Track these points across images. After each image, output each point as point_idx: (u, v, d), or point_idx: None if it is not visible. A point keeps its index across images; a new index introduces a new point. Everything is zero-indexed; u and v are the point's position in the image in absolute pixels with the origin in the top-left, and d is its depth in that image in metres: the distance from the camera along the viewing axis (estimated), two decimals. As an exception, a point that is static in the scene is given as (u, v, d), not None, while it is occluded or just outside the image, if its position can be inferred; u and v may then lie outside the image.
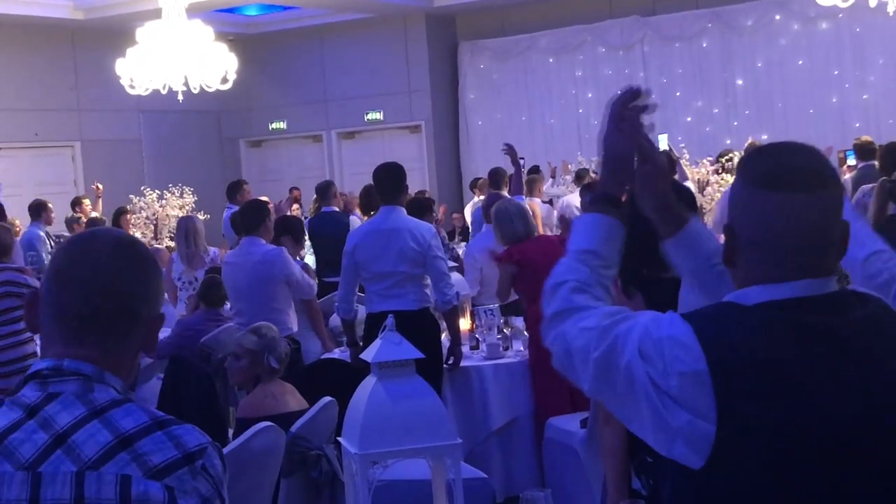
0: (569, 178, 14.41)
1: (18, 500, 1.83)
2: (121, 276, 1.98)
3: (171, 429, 1.88)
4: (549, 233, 10.88)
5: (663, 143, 12.39)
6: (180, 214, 12.77)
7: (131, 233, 12.69)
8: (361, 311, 8.36)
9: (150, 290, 2.02)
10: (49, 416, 1.87)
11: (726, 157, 12.19)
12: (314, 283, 7.85)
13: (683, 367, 1.90)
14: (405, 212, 6.89)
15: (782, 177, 1.98)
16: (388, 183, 6.86)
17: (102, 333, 1.95)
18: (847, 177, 10.46)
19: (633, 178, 2.32)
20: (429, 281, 6.72)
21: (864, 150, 10.88)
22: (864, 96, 16.10)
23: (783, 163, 2.02)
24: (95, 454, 1.83)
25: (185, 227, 9.32)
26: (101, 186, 13.50)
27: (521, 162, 14.58)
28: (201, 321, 7.72)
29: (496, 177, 10.41)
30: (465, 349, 7.12)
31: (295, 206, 14.39)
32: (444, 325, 6.99)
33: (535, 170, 14.13)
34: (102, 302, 1.96)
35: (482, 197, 12.47)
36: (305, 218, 12.03)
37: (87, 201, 13.78)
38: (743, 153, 10.90)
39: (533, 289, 6.74)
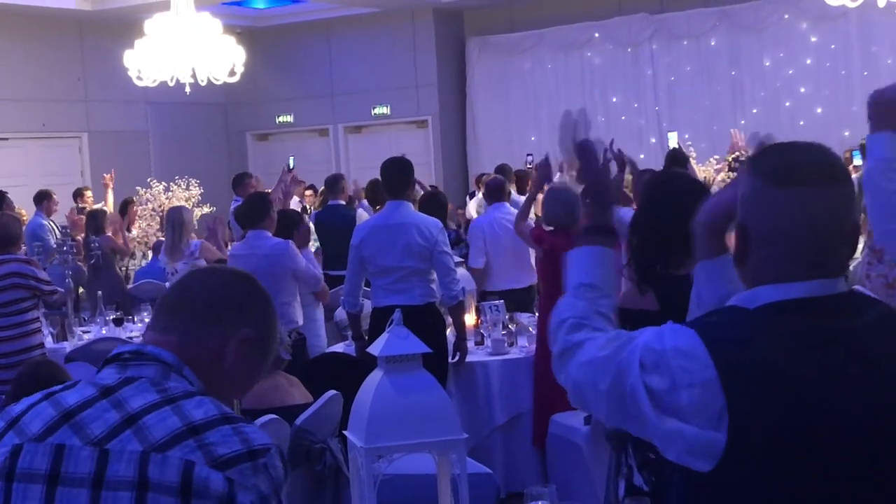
0: (574, 173, 14.37)
1: (83, 473, 1.87)
2: (222, 285, 2.12)
3: (240, 425, 1.94)
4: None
5: (673, 140, 12.39)
6: (187, 206, 12.77)
7: (137, 224, 12.73)
8: (367, 306, 8.37)
9: (244, 305, 2.11)
10: (123, 399, 1.94)
11: (733, 156, 12.17)
12: (320, 273, 7.83)
13: (692, 378, 1.89)
14: (412, 206, 6.90)
15: (796, 172, 1.98)
16: (395, 177, 6.85)
17: (185, 321, 2.05)
18: (853, 176, 10.46)
19: (616, 199, 2.38)
20: (435, 276, 6.72)
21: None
22: (872, 96, 16.06)
23: (796, 159, 2.01)
24: (163, 437, 1.88)
25: (172, 219, 9.33)
26: (111, 176, 13.46)
27: (530, 158, 14.59)
28: None
29: (496, 191, 9.43)
30: (470, 344, 7.13)
31: (309, 192, 14.38)
32: (449, 320, 7.00)
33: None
34: (194, 295, 2.08)
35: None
36: (309, 212, 12.05)
37: (88, 192, 13.78)
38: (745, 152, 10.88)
39: (550, 282, 6.72)
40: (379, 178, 10.94)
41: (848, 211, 2.01)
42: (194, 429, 1.89)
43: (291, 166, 11.60)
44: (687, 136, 15.46)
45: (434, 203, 8.50)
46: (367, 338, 6.79)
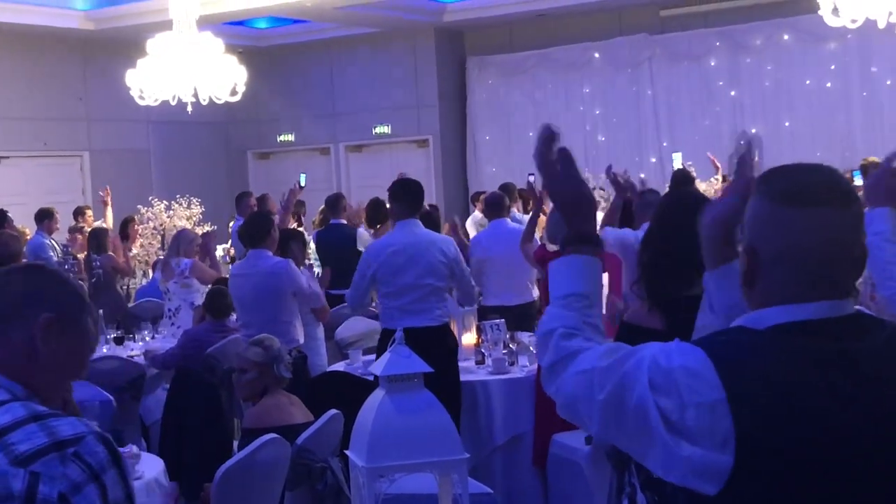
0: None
1: None
2: (7, 283, 2.07)
3: (49, 421, 1.93)
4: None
5: (677, 161, 12.41)
6: (187, 225, 12.78)
7: (138, 242, 12.73)
8: (362, 326, 8.40)
9: (36, 293, 2.06)
10: None
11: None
12: (321, 291, 7.83)
13: (700, 398, 1.88)
14: (422, 225, 6.93)
15: (807, 193, 1.98)
16: (410, 196, 6.88)
17: None
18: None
19: (591, 210, 2.32)
20: (447, 295, 6.82)
21: (871, 171, 10.87)
22: (873, 117, 16.10)
23: (806, 179, 2.01)
24: None
25: (178, 241, 9.39)
26: (108, 191, 13.47)
27: (532, 178, 14.59)
28: (207, 332, 7.73)
29: (496, 207, 9.41)
30: (471, 363, 7.13)
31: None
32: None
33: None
34: None
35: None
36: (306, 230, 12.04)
37: (89, 211, 13.80)
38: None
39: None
40: (378, 197, 11.07)
41: (857, 232, 2.01)
42: None
43: (303, 184, 11.59)
44: (687, 157, 15.47)
45: (429, 222, 8.54)
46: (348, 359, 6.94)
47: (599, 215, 10.96)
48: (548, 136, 2.33)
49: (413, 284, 6.65)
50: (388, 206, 10.48)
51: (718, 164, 11.87)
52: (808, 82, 16.43)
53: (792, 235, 1.97)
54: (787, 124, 16.55)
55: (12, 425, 1.91)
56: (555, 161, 2.33)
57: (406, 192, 6.91)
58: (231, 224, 13.19)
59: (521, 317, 8.22)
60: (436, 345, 6.46)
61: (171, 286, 9.20)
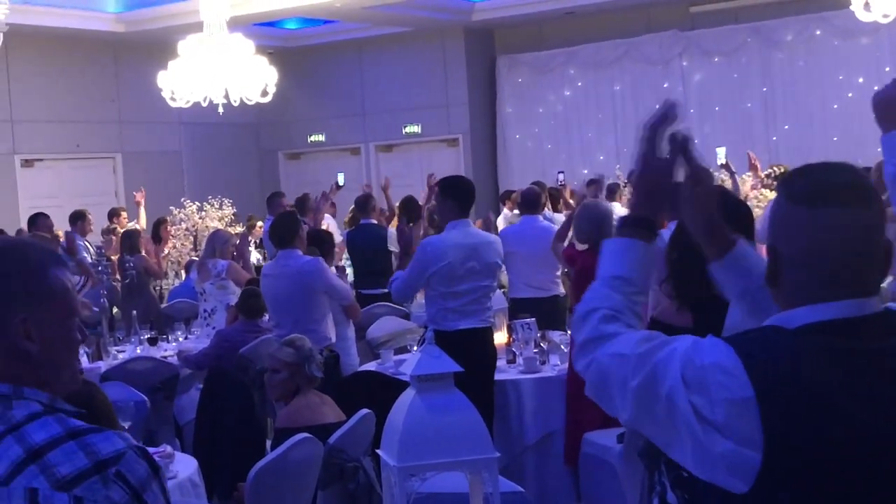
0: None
1: None
2: None
3: (85, 438, 1.87)
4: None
5: (721, 156, 12.33)
6: (219, 226, 12.85)
7: (171, 243, 12.79)
8: (394, 326, 8.42)
9: (2, 290, 1.94)
10: None
11: (766, 173, 12.13)
12: (350, 288, 7.86)
13: (730, 395, 1.88)
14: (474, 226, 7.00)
15: (829, 193, 1.97)
16: (467, 195, 6.86)
17: None
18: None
19: (669, 201, 2.26)
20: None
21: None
22: (906, 112, 15.98)
23: (828, 179, 2.01)
24: (6, 470, 1.84)
25: (213, 242, 9.42)
26: (144, 192, 13.57)
27: (561, 176, 14.58)
28: (239, 332, 7.76)
29: (531, 203, 9.51)
30: (502, 363, 7.14)
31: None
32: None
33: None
34: None
35: (515, 211, 12.52)
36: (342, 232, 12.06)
37: (124, 213, 13.89)
38: (782, 170, 10.86)
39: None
40: (412, 195, 11.10)
41: (880, 232, 2.00)
42: (36, 453, 1.85)
43: (341, 183, 11.61)
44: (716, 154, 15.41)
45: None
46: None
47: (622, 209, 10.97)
48: (667, 114, 2.25)
49: (473, 287, 6.67)
50: (419, 203, 10.60)
51: (757, 163, 11.81)
52: (839, 77, 16.33)
53: (813, 236, 1.96)
54: (819, 120, 16.46)
55: (50, 444, 1.86)
56: (659, 140, 2.24)
57: (463, 192, 6.85)
58: (262, 225, 13.24)
59: (546, 311, 8.22)
60: (480, 347, 6.53)
61: (208, 287, 9.25)
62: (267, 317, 7.88)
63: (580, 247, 7.11)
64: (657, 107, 2.27)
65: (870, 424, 1.88)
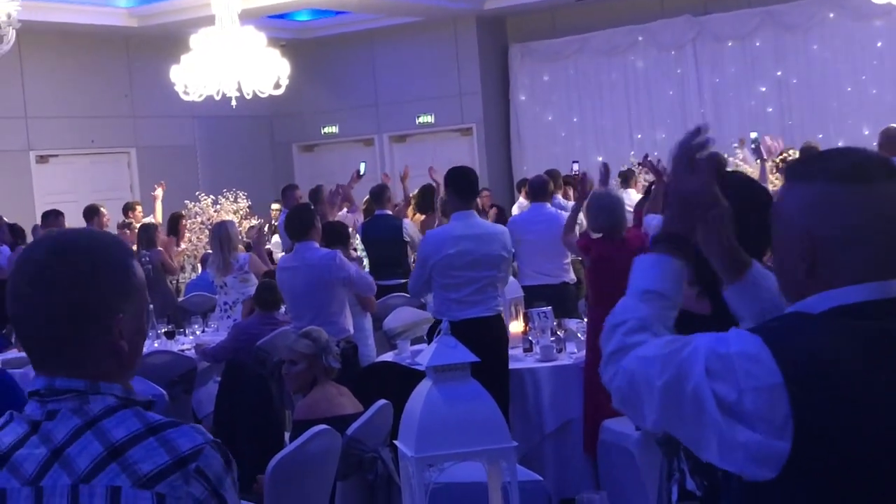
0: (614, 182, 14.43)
1: None
2: (57, 290, 1.91)
3: (165, 433, 1.88)
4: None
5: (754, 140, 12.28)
6: (235, 219, 12.86)
7: (186, 238, 12.82)
8: (410, 316, 8.42)
9: (98, 292, 1.93)
10: (48, 431, 1.90)
11: (780, 157, 12.08)
12: (372, 280, 7.83)
13: (758, 383, 1.86)
14: (479, 217, 6.97)
15: (866, 169, 1.94)
16: (470, 187, 6.89)
17: (69, 354, 1.92)
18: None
19: (703, 219, 2.24)
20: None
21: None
22: (920, 94, 15.94)
23: (858, 159, 1.98)
24: (87, 467, 1.85)
25: (219, 234, 9.39)
26: (164, 185, 13.58)
27: (575, 166, 14.54)
28: (256, 325, 7.78)
29: (539, 190, 9.50)
30: (519, 352, 7.14)
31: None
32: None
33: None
34: (52, 325, 1.91)
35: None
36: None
37: (139, 207, 13.92)
38: (799, 153, 10.80)
39: (602, 290, 6.70)
40: (431, 184, 11.11)
41: None
42: (116, 450, 1.85)
43: (362, 172, 11.59)
44: (732, 138, 15.40)
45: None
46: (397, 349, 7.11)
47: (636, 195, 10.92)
48: (698, 135, 2.22)
49: (473, 277, 6.67)
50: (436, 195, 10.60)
51: (774, 148, 11.74)
52: (854, 60, 16.25)
53: (858, 212, 1.92)
54: (833, 103, 16.39)
55: (130, 440, 1.86)
56: (695, 158, 2.22)
57: (463, 183, 6.86)
58: (278, 217, 13.26)
59: (555, 298, 8.21)
60: (489, 335, 6.49)
61: (230, 280, 9.26)
62: (284, 309, 7.89)
63: (594, 235, 7.09)
64: (688, 130, 2.23)
65: (892, 409, 1.86)
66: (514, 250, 8.83)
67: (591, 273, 7.05)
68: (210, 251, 11.10)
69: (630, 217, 8.27)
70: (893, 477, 1.87)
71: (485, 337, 6.31)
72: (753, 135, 12.59)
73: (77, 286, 1.91)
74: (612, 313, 2.16)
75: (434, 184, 11.03)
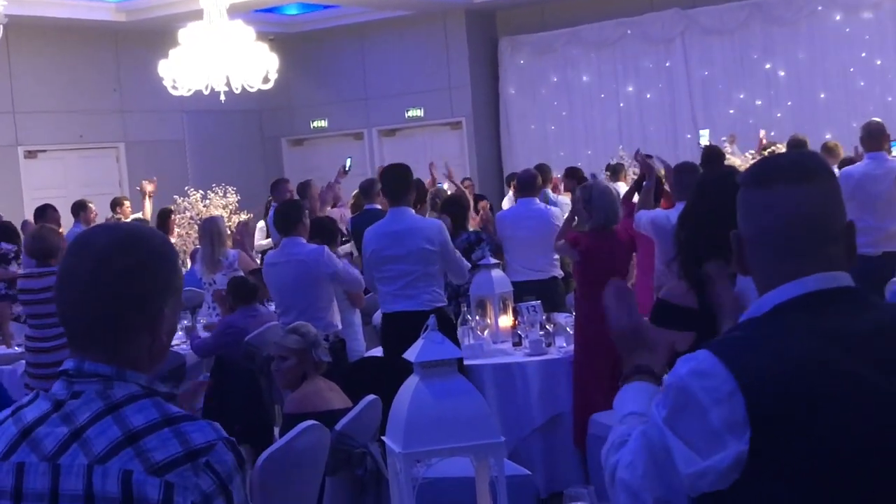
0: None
1: (42, 489, 1.93)
2: (115, 277, 1.99)
3: (181, 426, 1.94)
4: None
5: (705, 138, 12.35)
6: (224, 214, 12.85)
7: (176, 233, 12.80)
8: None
9: (151, 285, 2.02)
10: (71, 412, 1.97)
11: (769, 150, 12.11)
12: (359, 274, 7.82)
13: (718, 395, 1.91)
14: (412, 211, 7.07)
15: (772, 171, 2.06)
16: (392, 184, 7.08)
17: (108, 339, 2.00)
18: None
19: (651, 344, 2.43)
20: (440, 280, 6.94)
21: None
22: (909, 86, 15.97)
23: (770, 162, 2.12)
24: (104, 449, 1.91)
25: (209, 230, 9.36)
26: (153, 183, 13.43)
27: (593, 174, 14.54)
28: (242, 318, 7.78)
29: (527, 185, 9.44)
30: (508, 346, 7.14)
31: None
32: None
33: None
34: (101, 310, 1.99)
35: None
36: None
37: (127, 202, 13.87)
38: (786, 146, 10.83)
39: (591, 284, 6.72)
40: (419, 178, 11.12)
41: (826, 207, 2.04)
42: (133, 436, 1.91)
43: (348, 168, 11.59)
44: (721, 132, 15.44)
45: (456, 205, 8.90)
46: (381, 344, 7.13)
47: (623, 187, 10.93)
48: (619, 292, 2.49)
49: (403, 271, 6.84)
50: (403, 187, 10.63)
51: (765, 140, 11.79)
52: (842, 53, 16.28)
53: (762, 213, 2.04)
54: (822, 96, 16.42)
55: (147, 429, 1.92)
56: (618, 301, 2.47)
57: (389, 180, 7.11)
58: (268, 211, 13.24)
59: (544, 293, 8.21)
60: (418, 330, 6.50)
61: (219, 278, 9.22)
62: (273, 306, 7.89)
63: (584, 228, 7.11)
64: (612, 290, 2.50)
65: (843, 404, 1.89)
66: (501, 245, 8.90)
67: (580, 266, 7.05)
68: (199, 246, 11.08)
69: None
70: (848, 470, 1.89)
71: (412, 333, 6.30)
72: (704, 132, 12.66)
73: (134, 276, 2.00)
74: (609, 442, 2.30)
75: (432, 179, 11.08)
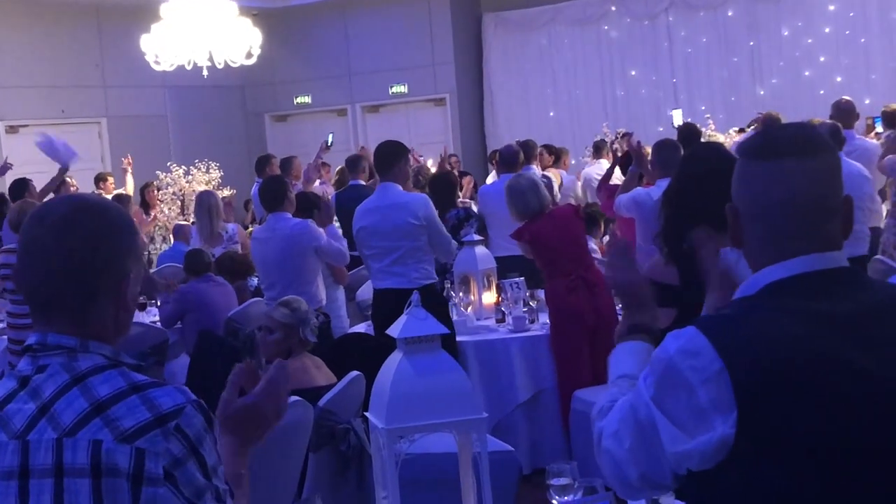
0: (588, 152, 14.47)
1: (11, 467, 1.93)
2: (82, 241, 2.00)
3: (148, 392, 1.95)
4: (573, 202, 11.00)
5: (678, 118, 12.36)
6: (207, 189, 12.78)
7: (158, 208, 12.74)
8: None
9: (117, 249, 2.03)
10: (37, 386, 1.97)
11: (753, 127, 12.12)
12: (346, 251, 7.79)
13: (705, 375, 1.90)
14: (400, 188, 7.00)
15: (771, 145, 2.01)
16: (377, 160, 7.11)
17: (75, 307, 2.01)
18: (875, 143, 10.38)
19: (649, 301, 2.47)
20: (429, 257, 6.91)
21: (892, 118, 10.84)
22: (893, 64, 15.97)
23: (773, 134, 2.07)
24: (72, 421, 1.92)
25: (208, 203, 9.34)
26: (130, 160, 13.43)
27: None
28: (195, 284, 7.99)
29: (508, 161, 9.38)
30: (491, 322, 7.15)
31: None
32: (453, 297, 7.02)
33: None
34: (67, 277, 2.00)
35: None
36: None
37: (111, 178, 13.81)
38: (761, 123, 10.80)
39: (549, 264, 6.82)
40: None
41: (829, 183, 2.01)
42: (100, 406, 1.92)
43: (330, 143, 11.55)
44: (704, 108, 15.46)
45: (443, 183, 8.90)
46: (370, 320, 7.10)
47: (605, 164, 10.93)
48: (621, 248, 2.57)
49: (390, 247, 6.84)
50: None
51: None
52: (826, 30, 16.29)
53: (759, 187, 2.00)
54: (806, 73, 16.43)
55: (114, 397, 1.93)
56: (620, 257, 2.53)
57: (378, 154, 7.13)
58: (253, 187, 13.19)
59: (528, 269, 8.21)
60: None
61: (218, 251, 9.22)
62: (256, 280, 7.89)
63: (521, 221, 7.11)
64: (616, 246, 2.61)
65: (832, 386, 1.88)
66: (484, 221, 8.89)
67: (533, 254, 7.03)
68: (182, 222, 11.05)
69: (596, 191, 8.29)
70: (834, 451, 1.88)
71: (401, 309, 6.30)
72: (677, 112, 12.66)
73: (101, 239, 2.00)
74: (596, 403, 2.30)
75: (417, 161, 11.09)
